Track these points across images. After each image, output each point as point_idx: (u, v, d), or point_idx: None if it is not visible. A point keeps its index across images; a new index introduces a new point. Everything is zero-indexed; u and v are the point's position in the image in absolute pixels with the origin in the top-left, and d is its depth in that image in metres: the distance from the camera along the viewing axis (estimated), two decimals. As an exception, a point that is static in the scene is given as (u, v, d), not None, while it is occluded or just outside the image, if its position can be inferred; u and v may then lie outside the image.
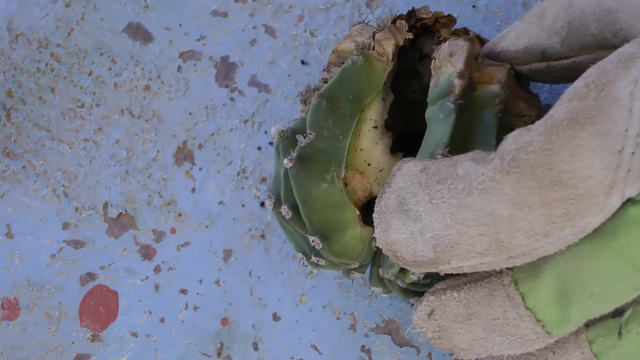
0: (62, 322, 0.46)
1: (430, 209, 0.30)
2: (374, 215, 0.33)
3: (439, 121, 0.35)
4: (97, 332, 0.46)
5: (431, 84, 0.37)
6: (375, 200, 0.33)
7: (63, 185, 0.48)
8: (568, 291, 0.31)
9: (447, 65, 0.36)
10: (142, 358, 0.45)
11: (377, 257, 0.39)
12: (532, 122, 0.37)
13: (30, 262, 0.47)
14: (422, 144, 0.35)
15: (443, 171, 0.31)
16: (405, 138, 0.42)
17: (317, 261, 0.38)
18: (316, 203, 0.36)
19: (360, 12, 0.49)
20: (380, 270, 0.38)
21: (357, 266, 0.38)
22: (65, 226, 0.47)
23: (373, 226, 0.35)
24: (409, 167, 0.32)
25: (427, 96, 0.37)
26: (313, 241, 0.36)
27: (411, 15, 0.40)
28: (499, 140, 0.35)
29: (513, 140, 0.29)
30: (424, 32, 0.42)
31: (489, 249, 0.29)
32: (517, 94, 0.38)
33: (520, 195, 0.28)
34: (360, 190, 0.38)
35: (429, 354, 0.44)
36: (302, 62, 0.48)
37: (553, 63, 0.37)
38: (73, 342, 0.46)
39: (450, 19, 0.41)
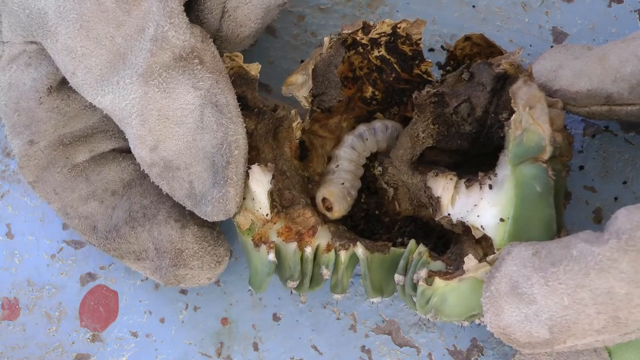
0: (62, 322, 0.46)
1: (546, 291, 0.31)
2: (482, 299, 0.34)
3: (536, 195, 0.35)
4: (97, 332, 0.46)
5: (511, 137, 0.36)
6: (483, 286, 0.34)
7: (63, 185, 0.48)
8: None
9: (529, 120, 0.35)
10: (142, 358, 0.45)
11: (370, 272, 0.39)
12: (568, 166, 0.39)
13: (30, 262, 0.47)
14: (516, 212, 0.35)
15: (556, 253, 0.32)
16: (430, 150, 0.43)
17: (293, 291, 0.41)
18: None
19: (361, 12, 0.49)
20: (407, 287, 0.38)
21: (296, 281, 0.40)
22: (65, 226, 0.47)
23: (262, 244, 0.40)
24: (520, 251, 0.33)
25: (505, 145, 0.37)
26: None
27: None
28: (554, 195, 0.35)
29: (626, 219, 0.30)
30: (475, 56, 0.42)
31: (606, 326, 0.30)
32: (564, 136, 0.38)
33: (637, 273, 0.29)
34: (242, 221, 0.40)
35: (429, 353, 0.44)
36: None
37: (616, 108, 0.37)
38: (73, 342, 0.46)
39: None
